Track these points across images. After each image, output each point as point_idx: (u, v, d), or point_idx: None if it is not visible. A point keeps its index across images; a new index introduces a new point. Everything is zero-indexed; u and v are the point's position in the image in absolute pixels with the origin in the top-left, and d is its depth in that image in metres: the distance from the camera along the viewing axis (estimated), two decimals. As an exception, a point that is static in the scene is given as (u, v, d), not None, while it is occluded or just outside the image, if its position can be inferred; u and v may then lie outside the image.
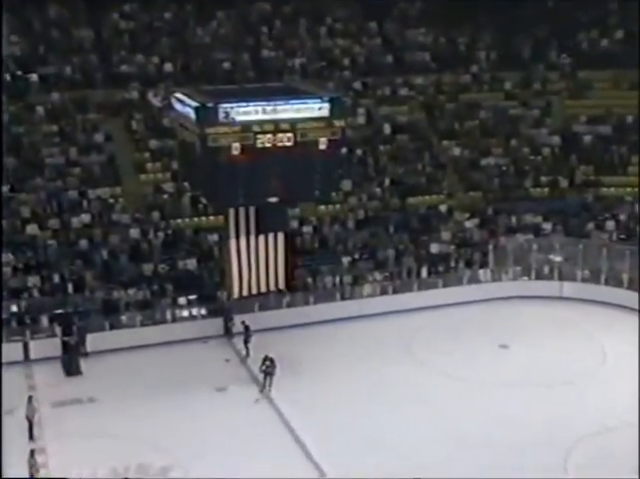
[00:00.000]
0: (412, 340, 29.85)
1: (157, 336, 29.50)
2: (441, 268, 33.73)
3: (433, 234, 35.31)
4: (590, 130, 40.45)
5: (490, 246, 34.39)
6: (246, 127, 21.75)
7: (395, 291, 32.75)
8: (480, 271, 33.91)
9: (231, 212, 24.11)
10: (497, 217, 36.62)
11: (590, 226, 35.74)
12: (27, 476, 21.24)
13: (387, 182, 37.43)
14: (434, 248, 34.56)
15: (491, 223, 36.36)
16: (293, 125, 22.12)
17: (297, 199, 25.48)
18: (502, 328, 30.58)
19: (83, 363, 27.91)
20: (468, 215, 36.50)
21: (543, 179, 38.52)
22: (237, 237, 24.37)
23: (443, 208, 36.89)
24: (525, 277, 34.06)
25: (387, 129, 39.66)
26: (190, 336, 29.65)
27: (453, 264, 33.99)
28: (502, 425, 23.92)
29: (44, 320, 29.05)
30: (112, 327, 29.47)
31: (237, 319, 29.57)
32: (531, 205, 37.19)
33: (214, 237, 32.64)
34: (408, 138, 39.73)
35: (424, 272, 33.39)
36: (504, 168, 39.06)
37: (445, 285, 33.18)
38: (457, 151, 39.69)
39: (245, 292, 25.20)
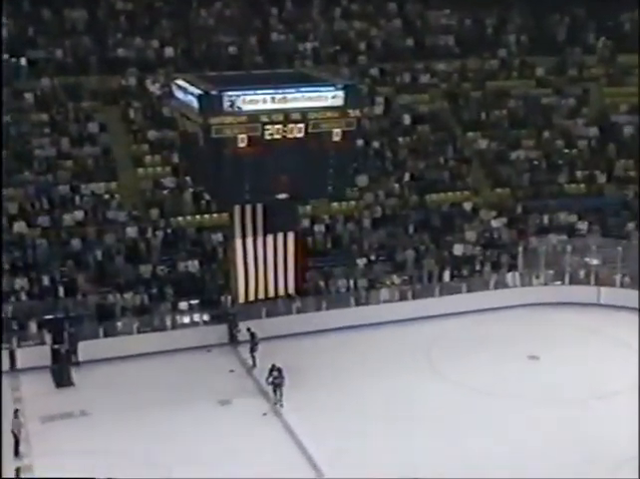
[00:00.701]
0: (432, 350, 29.83)
1: (155, 344, 29.59)
2: (465, 272, 33.72)
3: (456, 234, 35.27)
4: (631, 120, 40.36)
5: (520, 248, 34.32)
6: (253, 117, 21.70)
7: (414, 297, 32.77)
8: (509, 275, 33.88)
9: (237, 209, 24.08)
10: (528, 215, 36.57)
11: (630, 226, 35.61)
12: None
13: (406, 177, 37.42)
14: (457, 250, 34.52)
15: (521, 222, 36.33)
16: (304, 115, 22.07)
17: (308, 195, 25.43)
18: (532, 338, 30.48)
19: (74, 373, 28.03)
20: (495, 213, 36.47)
21: (579, 174, 38.47)
22: (243, 236, 24.34)
23: (467, 205, 36.85)
24: (558, 282, 34.02)
25: (406, 119, 39.63)
26: (192, 345, 29.72)
27: (478, 267, 33.99)
28: (533, 446, 23.77)
29: (32, 326, 29.18)
30: (106, 334, 29.55)
31: (243, 326, 29.66)
32: (565, 202, 37.14)
33: (218, 236, 32.74)
34: (429, 129, 39.68)
35: (446, 276, 33.37)
36: (536, 162, 39.00)
37: (469, 290, 33.17)
38: (483, 143, 39.62)
39: (252, 297, 25.15)
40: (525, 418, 25.29)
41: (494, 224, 36.04)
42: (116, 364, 28.57)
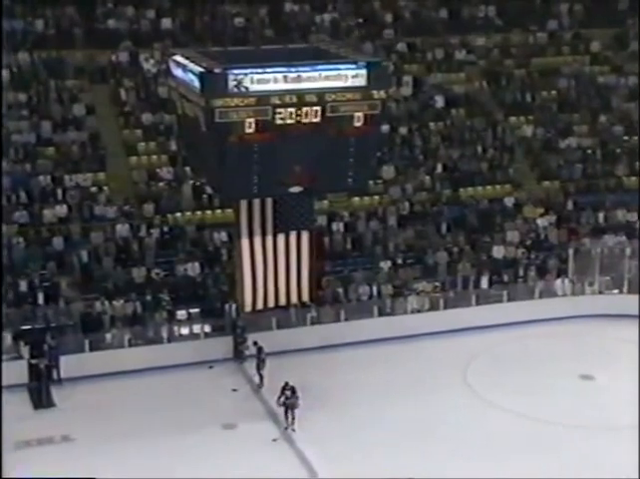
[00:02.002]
0: (468, 368, 29.91)
1: (149, 360, 29.78)
2: (506, 278, 33.83)
3: (496, 233, 35.37)
4: (702, 102, 40.33)
5: (570, 251, 34.39)
6: (263, 98, 21.86)
7: (447, 306, 32.88)
8: (557, 282, 33.96)
9: (243, 204, 24.25)
10: (580, 213, 36.64)
11: (700, 225, 35.68)
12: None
13: (438, 168, 37.57)
14: (497, 252, 34.63)
15: (572, 220, 36.39)
16: (321, 96, 22.21)
17: (326, 188, 25.58)
18: (585, 355, 30.49)
19: (55, 393, 28.20)
20: (541, 210, 36.54)
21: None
22: (251, 236, 24.51)
23: (509, 201, 36.96)
24: (615, 291, 34.03)
25: (439, 102, 39.79)
26: (191, 360, 29.91)
27: (521, 273, 34.07)
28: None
29: (7, 338, 29.32)
30: (92, 348, 29.73)
31: (250, 339, 29.80)
32: (624, 198, 37.14)
33: (222, 235, 32.99)
34: (465, 113, 39.78)
35: (484, 282, 33.49)
36: (590, 151, 39.01)
37: (511, 299, 33.26)
38: (528, 129, 39.70)
39: (260, 305, 25.32)
40: (577, 447, 25.23)
41: (541, 222, 36.12)
42: (103, 382, 28.70)
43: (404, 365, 30.01)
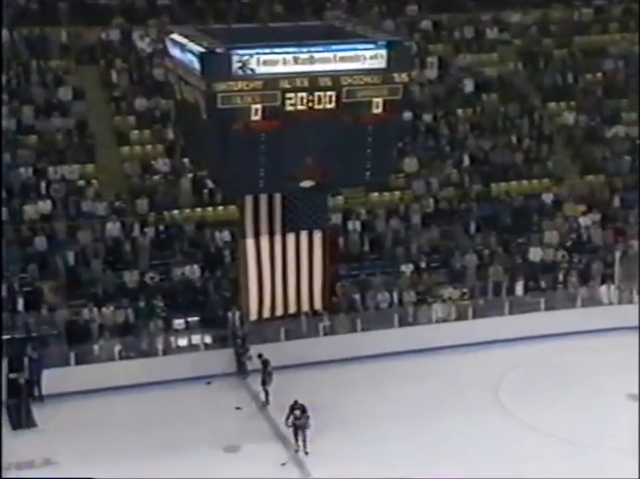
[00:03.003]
0: (500, 386, 29.93)
1: (142, 374, 29.92)
2: (543, 284, 33.87)
3: (532, 234, 35.42)
4: None
5: (617, 254, 34.41)
6: (271, 82, 21.91)
7: (476, 315, 32.95)
8: (602, 289, 34.00)
9: (248, 200, 24.31)
10: (628, 211, 36.63)
11: None
12: None
13: (467, 160, 37.61)
14: (534, 255, 34.69)
15: (618, 219, 36.38)
16: (336, 80, 22.23)
17: (341, 183, 25.57)
18: (632, 371, 30.36)
19: (36, 411, 28.25)
20: (584, 208, 36.54)
21: (697, 157, 38.46)
22: (257, 235, 24.56)
23: (547, 197, 37.00)
24: (668, 299, 33.97)
25: (468, 86, 39.88)
26: (189, 374, 30.03)
27: (561, 278, 34.11)
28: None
29: (-16, 350, 29.61)
30: (79, 361, 29.90)
31: (255, 351, 29.87)
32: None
33: (225, 235, 33.16)
34: (498, 98, 39.83)
35: (518, 289, 33.58)
36: (639, 141, 38.92)
37: (548, 308, 33.30)
38: (569, 117, 39.73)
39: (267, 314, 25.38)
40: (621, 473, 25.06)
41: (583, 221, 36.16)
42: (91, 400, 28.83)
43: (428, 382, 30.04)
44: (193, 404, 28.83)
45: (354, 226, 34.79)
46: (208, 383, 30.02)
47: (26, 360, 28.93)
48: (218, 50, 21.82)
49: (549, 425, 27.43)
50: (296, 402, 26.25)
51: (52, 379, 29.08)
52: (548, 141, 38.96)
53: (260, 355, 29.13)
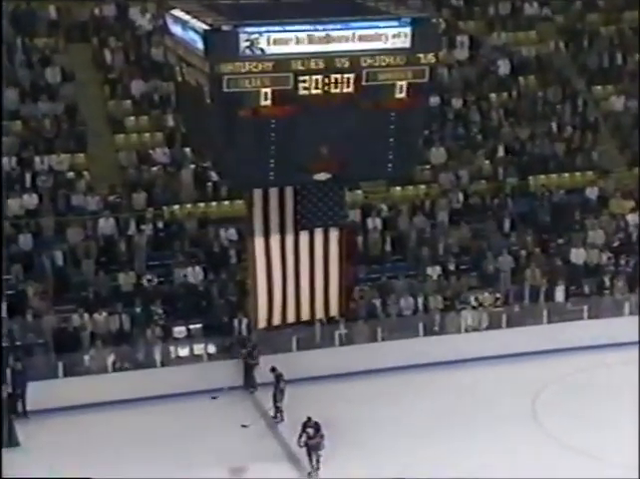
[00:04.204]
0: (537, 401, 29.98)
1: (138, 388, 30.02)
2: (587, 289, 33.93)
3: (574, 233, 35.44)
4: None
5: (670, 256, 34.39)
6: (283, 63, 21.94)
7: (511, 323, 33.05)
8: (652, 295, 33.93)
9: (257, 195, 24.36)
10: (682, 208, 36.60)
11: None
12: None
13: (501, 150, 37.66)
14: (576, 257, 34.73)
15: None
16: (355, 61, 22.23)
17: (360, 175, 25.55)
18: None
19: (20, 429, 28.26)
20: (632, 204, 36.53)
21: None
22: (266, 234, 24.61)
23: (592, 192, 37.04)
24: None
25: (503, 67, 39.90)
26: (191, 388, 30.13)
27: (607, 283, 34.13)
28: None
29: (-37, 360, 29.72)
30: (68, 373, 30.07)
31: (264, 363, 30.04)
32: None
33: (230, 233, 33.29)
34: (536, 81, 39.83)
35: (558, 294, 33.66)
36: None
37: (592, 316, 33.38)
38: (616, 102, 39.71)
39: (278, 321, 25.41)
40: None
41: (632, 219, 36.16)
42: (81, 416, 28.91)
43: (456, 397, 30.14)
44: (196, 421, 28.91)
45: (374, 223, 34.88)
46: (214, 398, 30.09)
47: (9, 372, 28.96)
48: (224, 27, 21.83)
49: (595, 447, 27.32)
50: (309, 419, 26.32)
51: (37, 393, 29.10)
52: (593, 129, 38.97)
53: (274, 369, 29.20)
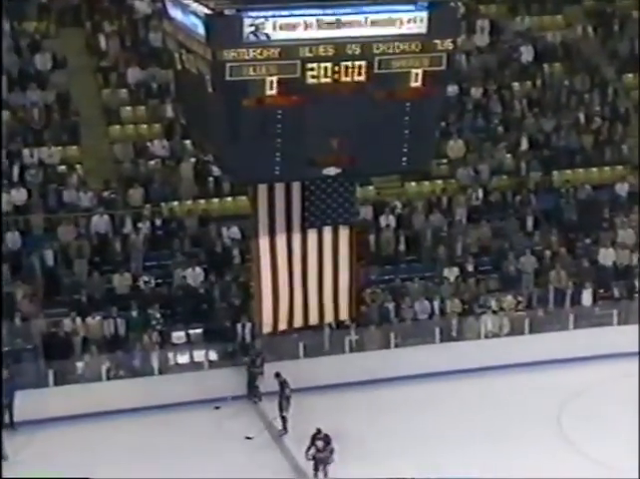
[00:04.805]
0: (562, 413, 30.03)
1: (134, 397, 30.14)
2: (616, 292, 33.99)
3: (603, 232, 35.48)
4: None
5: None
6: (290, 50, 21.94)
7: (534, 329, 33.14)
8: (687, 299, 33.94)
9: (262, 191, 24.39)
10: None
11: None
12: None
13: (524, 143, 37.70)
14: (605, 258, 34.80)
15: None
16: (367, 47, 22.23)
17: (372, 170, 25.61)
18: None
19: (7, 441, 28.31)
20: (665, 201, 36.48)
21: None
22: (272, 232, 24.63)
23: (621, 188, 37.07)
24: None
25: (526, 54, 39.93)
26: (191, 398, 30.23)
27: (637, 286, 34.16)
28: None
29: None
30: (59, 381, 30.19)
31: (269, 370, 30.10)
32: None
33: (233, 232, 33.39)
34: (562, 69, 39.85)
35: (585, 298, 33.68)
36: None
37: (622, 321, 33.45)
38: (649, 91, 39.65)
39: (284, 325, 25.38)
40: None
41: (665, 217, 36.16)
42: (72, 427, 29.03)
43: (475, 408, 30.21)
44: (196, 433, 29.00)
45: (387, 221, 34.93)
46: (217, 408, 30.24)
47: (-5, 381, 29.17)
48: (227, 12, 21.83)
49: (626, 464, 27.18)
50: (319, 431, 26.42)
51: (26, 403, 29.20)
52: (623, 120, 38.99)
53: (278, 374, 29.27)
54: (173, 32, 24.36)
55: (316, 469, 26.40)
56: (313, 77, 22.07)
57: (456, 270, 33.96)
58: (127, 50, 37.84)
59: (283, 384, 29.09)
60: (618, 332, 33.27)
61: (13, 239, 32.91)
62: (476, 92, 38.64)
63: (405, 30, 22.33)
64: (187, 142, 34.76)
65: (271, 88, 22.01)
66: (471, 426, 29.23)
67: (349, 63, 22.14)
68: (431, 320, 32.92)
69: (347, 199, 24.77)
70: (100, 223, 33.64)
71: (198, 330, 31.71)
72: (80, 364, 30.62)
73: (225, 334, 31.64)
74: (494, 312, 33.18)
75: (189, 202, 34.84)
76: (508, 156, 37.39)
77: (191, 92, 24.22)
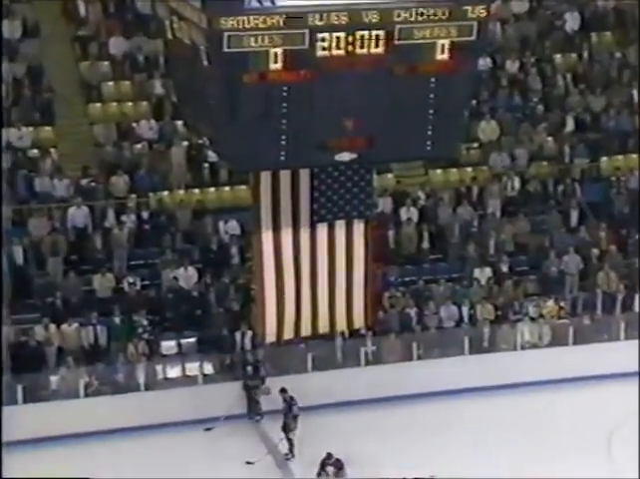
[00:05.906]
0: (613, 436, 30.07)
1: (117, 416, 30.29)
2: (675, 296, 34.03)
3: (658, 228, 35.53)
4: None
5: None
6: (297, 18, 22.12)
7: (578, 339, 33.19)
8: None
9: (265, 179, 24.50)
10: None
11: None
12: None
13: (569, 125, 37.77)
14: (661, 257, 34.80)
15: None
16: (386, 15, 22.32)
17: (391, 156, 25.67)
18: None
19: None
20: None
21: None
22: (276, 227, 24.71)
23: (679, 178, 37.08)
24: None
25: (571, 22, 40.02)
26: (182, 417, 30.39)
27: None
28: None
29: None
30: (29, 398, 30.32)
31: (273, 385, 30.24)
32: None
33: (232, 226, 33.51)
34: (612, 40, 39.90)
35: (638, 304, 33.68)
36: None
37: (681, 331, 33.38)
38: None
39: (290, 334, 25.50)
40: None
41: None
42: (46, 450, 29.16)
43: (509, 430, 30.25)
44: (188, 456, 29.10)
45: (409, 214, 35.02)
46: (208, 430, 30.37)
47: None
48: (225, -26, 22.12)
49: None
50: (330, 456, 26.59)
51: (-5, 422, 29.51)
52: (682, 100, 39.13)
53: (283, 390, 29.45)
54: (164, -4, 24.54)
55: (326, 498, 26.60)
56: (324, 49, 22.09)
57: (488, 271, 34.09)
58: (109, 17, 37.89)
59: (289, 401, 29.21)
60: (675, 343, 33.31)
61: (-21, 234, 33.11)
62: (511, 66, 38.72)
63: (430, -5, 22.45)
64: (179, 123, 34.80)
65: (276, 61, 22.04)
66: (504, 451, 29.25)
67: (365, 32, 22.16)
68: (459, 329, 33.08)
69: (363, 189, 24.81)
70: (77, 215, 33.77)
71: (191, 339, 31.86)
72: (54, 379, 30.79)
73: (222, 344, 31.77)
74: (533, 320, 33.27)
75: (181, 191, 35.00)
76: (550, 139, 37.49)
77: (184, 65, 24.29)
